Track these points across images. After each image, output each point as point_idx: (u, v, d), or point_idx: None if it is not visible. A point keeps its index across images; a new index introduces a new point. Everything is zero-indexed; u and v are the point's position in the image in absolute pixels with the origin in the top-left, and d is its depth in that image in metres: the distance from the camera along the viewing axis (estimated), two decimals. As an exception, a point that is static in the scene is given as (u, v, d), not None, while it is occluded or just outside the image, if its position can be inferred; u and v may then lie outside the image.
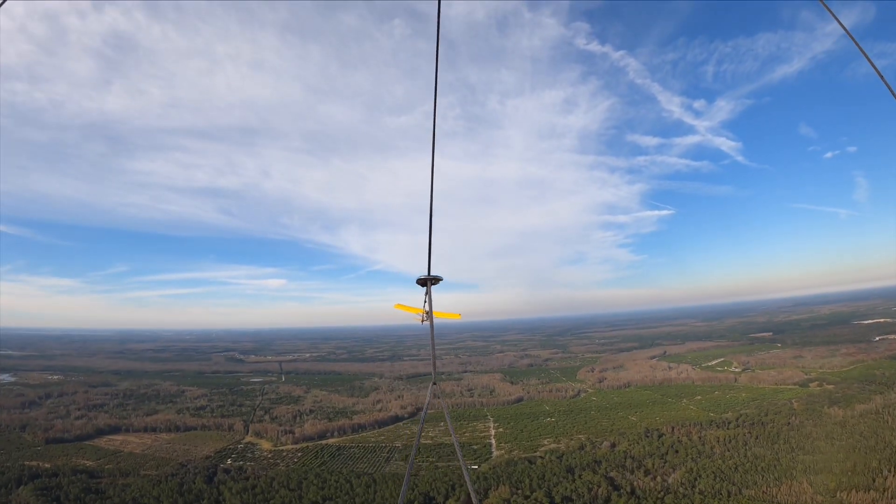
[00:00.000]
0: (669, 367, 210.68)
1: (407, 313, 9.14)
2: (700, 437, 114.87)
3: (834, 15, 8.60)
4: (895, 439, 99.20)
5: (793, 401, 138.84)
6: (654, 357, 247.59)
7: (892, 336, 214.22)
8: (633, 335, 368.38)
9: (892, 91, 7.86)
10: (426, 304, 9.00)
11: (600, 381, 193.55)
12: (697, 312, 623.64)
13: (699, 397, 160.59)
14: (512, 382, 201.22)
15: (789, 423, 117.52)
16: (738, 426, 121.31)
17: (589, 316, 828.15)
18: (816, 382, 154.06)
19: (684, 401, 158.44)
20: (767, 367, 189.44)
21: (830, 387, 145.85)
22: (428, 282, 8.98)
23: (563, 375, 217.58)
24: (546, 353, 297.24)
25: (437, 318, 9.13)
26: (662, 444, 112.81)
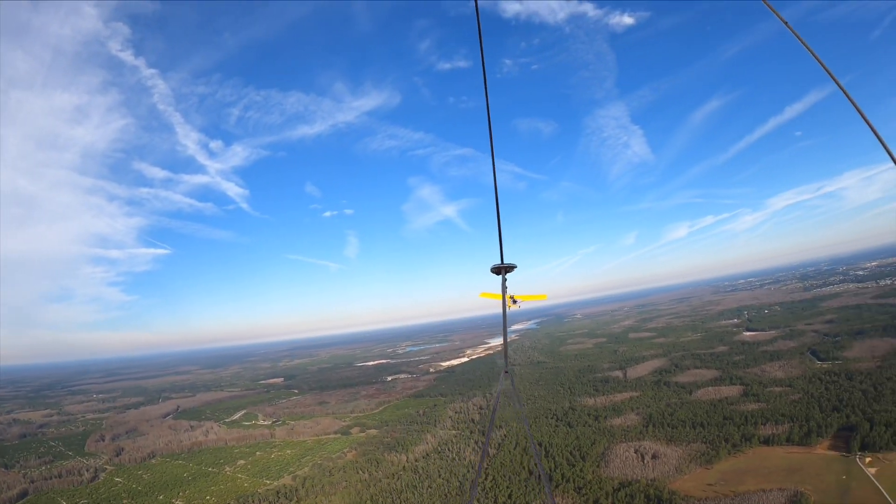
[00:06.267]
0: (192, 427, 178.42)
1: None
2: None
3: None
4: (478, 476, 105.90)
5: (345, 452, 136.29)
6: (168, 415, 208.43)
7: (402, 375, 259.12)
8: (135, 387, 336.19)
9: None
10: (504, 291, 9.66)
11: (118, 454, 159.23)
12: (196, 358, 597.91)
13: (243, 461, 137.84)
14: (6, 467, 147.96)
15: (363, 481, 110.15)
16: (311, 492, 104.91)
17: (77, 363, 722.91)
18: (357, 428, 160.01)
19: (227, 469, 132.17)
20: (298, 418, 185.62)
21: (374, 432, 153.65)
22: (503, 269, 9.63)
23: (69, 448, 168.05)
24: (38, 415, 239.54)
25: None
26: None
